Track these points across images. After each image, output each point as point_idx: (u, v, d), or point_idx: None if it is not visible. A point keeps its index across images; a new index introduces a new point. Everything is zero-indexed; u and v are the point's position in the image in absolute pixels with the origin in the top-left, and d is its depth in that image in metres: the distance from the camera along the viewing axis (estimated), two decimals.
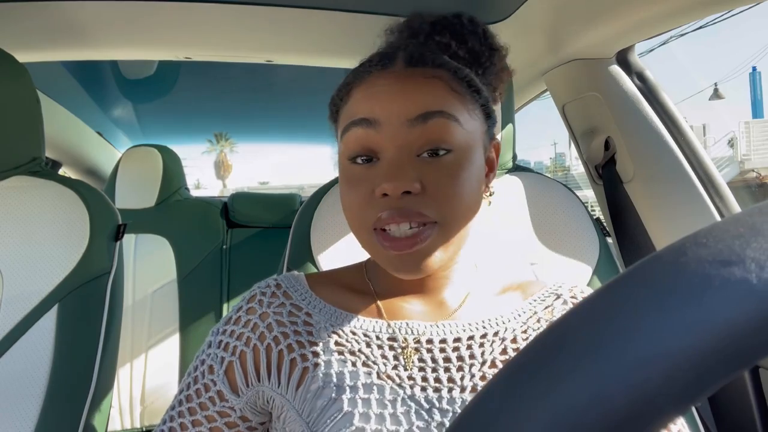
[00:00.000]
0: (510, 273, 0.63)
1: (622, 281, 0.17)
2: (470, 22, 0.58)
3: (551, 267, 0.83)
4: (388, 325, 0.53)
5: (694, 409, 0.81)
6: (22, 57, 0.88)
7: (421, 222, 0.47)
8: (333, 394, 0.48)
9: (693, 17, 0.85)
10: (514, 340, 0.52)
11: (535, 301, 0.56)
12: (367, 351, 0.51)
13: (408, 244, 0.47)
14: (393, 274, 0.51)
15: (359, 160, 0.50)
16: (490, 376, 0.40)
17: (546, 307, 0.55)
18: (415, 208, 0.46)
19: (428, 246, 0.47)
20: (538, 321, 0.54)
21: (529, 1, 0.98)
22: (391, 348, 0.51)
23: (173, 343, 1.66)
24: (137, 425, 1.60)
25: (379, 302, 0.55)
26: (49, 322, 0.74)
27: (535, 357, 0.17)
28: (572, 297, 0.56)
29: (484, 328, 0.53)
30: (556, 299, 0.56)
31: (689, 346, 0.15)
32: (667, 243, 0.19)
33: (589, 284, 0.83)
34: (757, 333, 0.14)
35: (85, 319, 0.78)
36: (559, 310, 0.55)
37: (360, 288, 0.58)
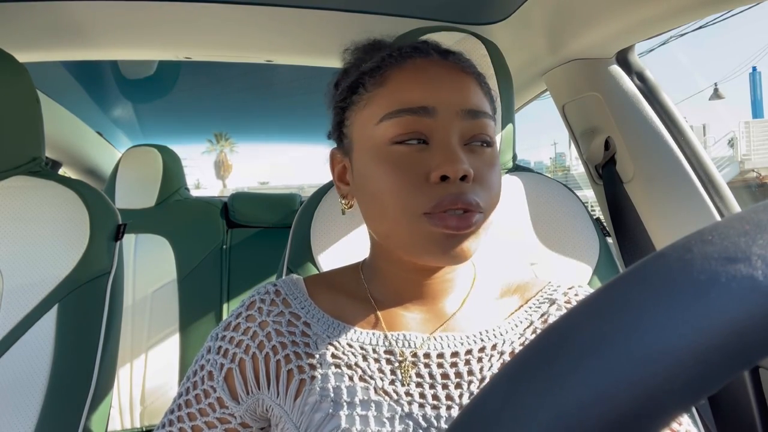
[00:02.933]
0: (507, 272, 0.62)
1: (627, 278, 0.17)
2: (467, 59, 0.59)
3: (551, 267, 0.83)
4: (385, 336, 0.52)
5: (694, 409, 0.81)
6: (22, 57, 0.88)
7: (475, 210, 0.47)
8: (330, 410, 0.47)
9: (693, 17, 0.85)
10: (512, 354, 0.52)
11: (530, 308, 0.55)
12: (363, 365, 0.50)
13: (462, 225, 0.46)
14: (434, 259, 0.49)
15: (410, 142, 0.49)
16: None
17: (542, 315, 0.55)
18: (471, 195, 0.47)
19: (473, 232, 0.48)
20: (534, 332, 0.53)
21: (529, 1, 0.98)
22: (388, 362, 0.50)
23: (173, 343, 1.66)
24: (137, 425, 1.60)
25: (377, 310, 0.54)
26: (49, 322, 0.74)
27: (539, 354, 0.17)
28: (567, 302, 0.55)
29: (482, 340, 0.52)
30: (551, 305, 0.55)
31: (694, 343, 0.15)
32: (667, 243, 0.19)
33: (589, 284, 0.82)
34: (762, 330, 0.14)
35: (85, 319, 0.78)
36: (554, 317, 0.54)
37: (357, 293, 0.57)
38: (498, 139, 0.86)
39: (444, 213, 0.47)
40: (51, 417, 0.71)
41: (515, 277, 0.61)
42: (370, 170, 0.51)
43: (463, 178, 0.47)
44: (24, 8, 0.98)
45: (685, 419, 0.50)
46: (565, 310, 0.53)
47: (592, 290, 0.56)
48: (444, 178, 0.47)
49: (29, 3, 0.97)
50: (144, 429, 1.61)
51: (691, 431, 0.48)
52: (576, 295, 0.56)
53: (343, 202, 0.58)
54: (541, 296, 0.56)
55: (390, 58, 0.53)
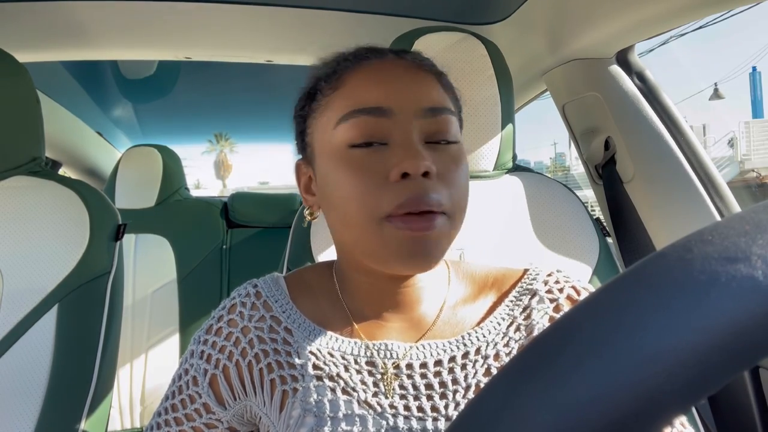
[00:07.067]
0: (479, 265, 0.59)
1: (628, 278, 0.17)
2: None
3: (551, 267, 0.83)
4: (367, 347, 0.50)
5: (694, 409, 0.81)
6: (22, 57, 0.88)
7: (437, 210, 0.45)
8: (314, 425, 0.46)
9: (693, 17, 0.85)
10: (497, 356, 0.50)
11: (511, 302, 0.53)
12: (345, 376, 0.49)
13: (426, 225, 0.44)
14: (399, 267, 0.47)
15: (368, 145, 0.47)
16: None
17: (524, 309, 0.52)
18: (435, 193, 0.45)
19: (438, 233, 0.45)
20: (518, 329, 0.51)
21: (529, 1, 0.98)
22: (370, 373, 0.49)
23: (173, 343, 1.66)
24: (137, 425, 1.60)
25: (354, 318, 0.53)
26: (49, 322, 0.74)
27: (539, 354, 0.17)
28: (548, 291, 0.53)
29: (465, 345, 0.50)
30: (532, 297, 0.53)
31: (695, 343, 0.15)
32: (667, 243, 0.19)
33: (588, 284, 0.83)
34: (762, 330, 0.14)
35: (85, 319, 0.78)
36: (537, 311, 0.52)
37: (333, 297, 0.55)
38: (498, 139, 0.86)
39: (407, 215, 0.45)
40: (51, 417, 0.71)
41: (489, 269, 0.58)
42: (330, 177, 0.49)
43: (425, 175, 0.45)
44: (24, 8, 0.98)
45: (680, 417, 0.49)
46: (546, 302, 0.52)
47: (570, 276, 0.55)
48: (405, 175, 0.45)
49: (29, 3, 0.97)
50: (144, 429, 1.61)
51: (684, 430, 0.47)
52: (556, 282, 0.54)
53: (306, 212, 0.56)
54: (521, 288, 0.54)
55: (345, 61, 0.52)
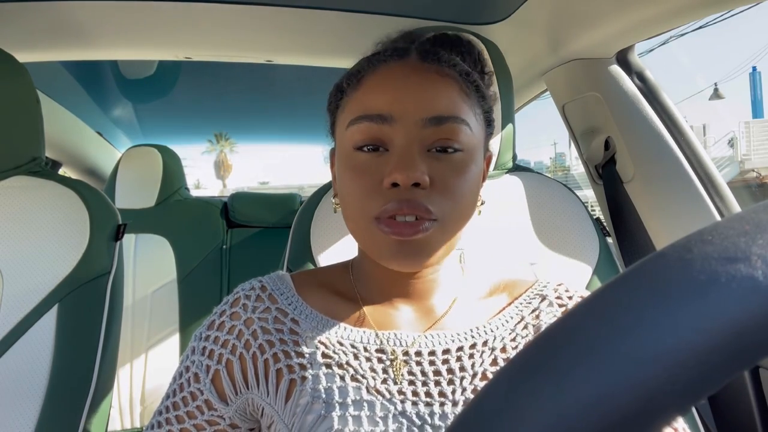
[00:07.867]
0: (495, 271, 0.62)
1: (628, 278, 0.17)
2: (468, 42, 0.58)
3: (551, 267, 0.83)
4: (376, 335, 0.52)
5: (694, 409, 0.81)
6: (22, 57, 0.88)
7: (426, 217, 0.47)
8: (322, 411, 0.47)
9: (693, 17, 0.85)
10: (503, 350, 0.52)
11: (521, 303, 0.56)
12: (355, 363, 0.50)
13: (410, 231, 0.47)
14: (389, 264, 0.50)
15: (366, 149, 0.50)
16: None
17: (532, 311, 0.55)
18: (422, 202, 0.47)
19: (427, 237, 0.48)
20: (526, 327, 0.53)
21: (529, 1, 0.98)
22: (380, 360, 0.50)
23: (173, 343, 1.66)
24: (137, 425, 1.60)
25: (365, 309, 0.54)
26: (49, 322, 0.74)
27: (539, 354, 0.17)
28: (557, 297, 0.56)
29: (473, 337, 0.52)
30: (542, 301, 0.55)
31: (694, 343, 0.15)
32: (667, 243, 0.19)
33: (589, 284, 0.83)
34: (762, 330, 0.14)
35: (85, 319, 0.78)
36: (546, 313, 0.54)
37: (346, 291, 0.56)
38: (498, 139, 0.86)
39: (392, 219, 0.47)
40: (51, 417, 0.71)
41: (503, 275, 0.61)
42: (340, 173, 0.53)
43: (417, 184, 0.47)
44: (24, 8, 0.98)
45: (679, 419, 0.49)
46: (555, 306, 0.54)
47: (577, 287, 0.57)
48: (395, 184, 0.47)
49: (29, 3, 0.97)
50: (145, 428, 1.61)
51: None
52: (566, 291, 0.56)
53: (333, 201, 0.59)
54: (531, 293, 0.57)
55: (367, 62, 0.54)
